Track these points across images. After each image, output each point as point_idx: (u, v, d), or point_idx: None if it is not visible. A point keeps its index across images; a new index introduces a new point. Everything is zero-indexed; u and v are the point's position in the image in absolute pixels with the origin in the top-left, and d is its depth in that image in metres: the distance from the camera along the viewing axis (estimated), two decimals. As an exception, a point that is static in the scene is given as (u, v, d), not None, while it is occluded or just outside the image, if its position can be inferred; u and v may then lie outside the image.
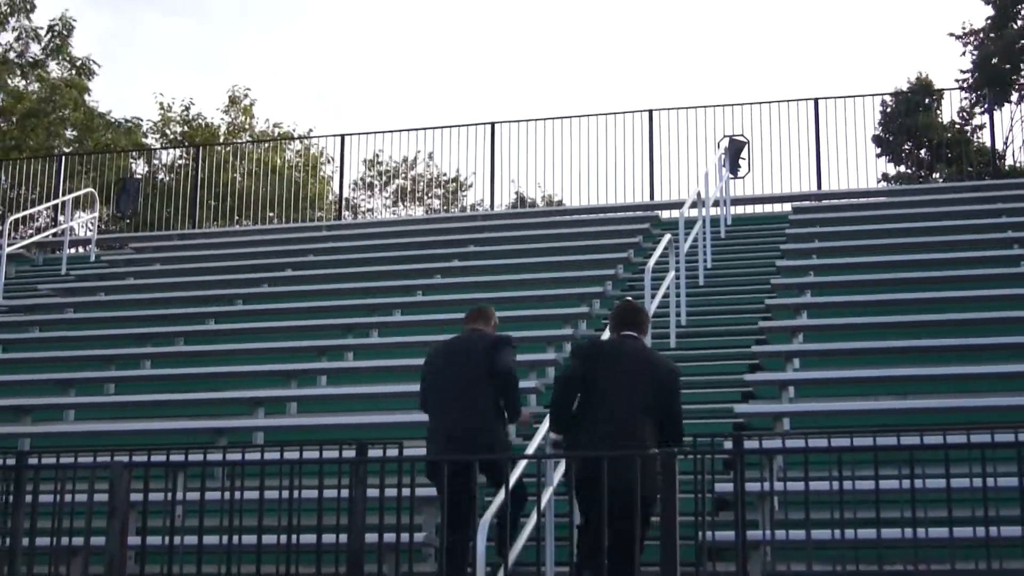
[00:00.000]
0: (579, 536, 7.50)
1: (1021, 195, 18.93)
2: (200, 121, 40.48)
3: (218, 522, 7.42)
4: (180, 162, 32.86)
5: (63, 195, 23.82)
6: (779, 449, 7.87)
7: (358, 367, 13.97)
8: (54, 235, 23.48)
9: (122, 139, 36.50)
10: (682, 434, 8.20)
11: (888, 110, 34.75)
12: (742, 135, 21.13)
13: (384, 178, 38.31)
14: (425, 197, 37.36)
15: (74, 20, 37.53)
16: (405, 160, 37.05)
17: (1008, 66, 34.91)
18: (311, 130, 41.97)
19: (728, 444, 7.62)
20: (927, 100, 33.99)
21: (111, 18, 65.15)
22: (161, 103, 40.89)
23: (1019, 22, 35.89)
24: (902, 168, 36.58)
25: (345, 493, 7.11)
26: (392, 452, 7.15)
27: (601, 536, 7.16)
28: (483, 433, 8.69)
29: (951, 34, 36.72)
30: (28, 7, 36.76)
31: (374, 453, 7.21)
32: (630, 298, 9.80)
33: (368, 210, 38.85)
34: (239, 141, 37.28)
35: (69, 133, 37.56)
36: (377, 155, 35.18)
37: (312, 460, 7.26)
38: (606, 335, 9.31)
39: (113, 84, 60.79)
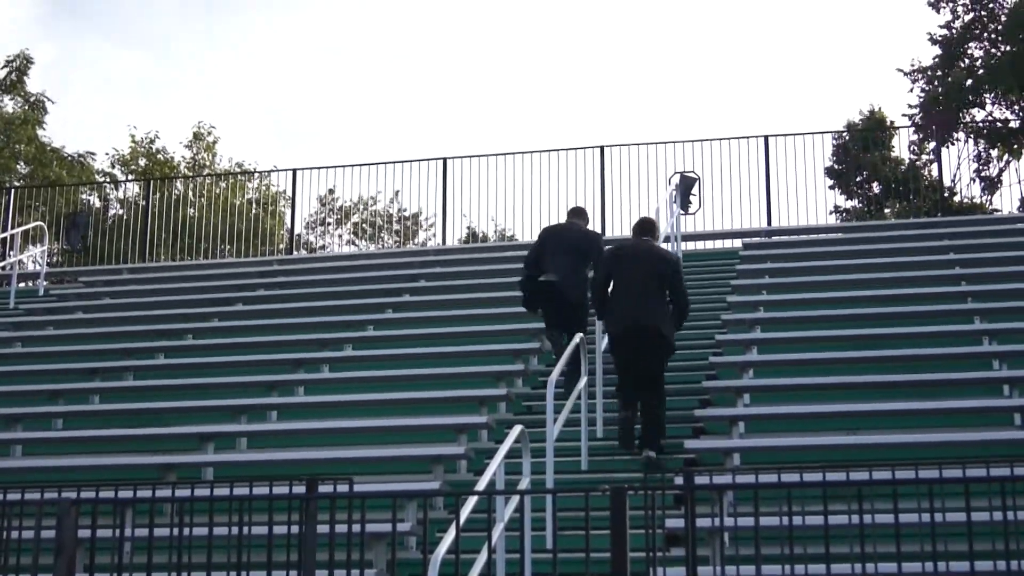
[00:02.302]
0: (619, 384, 11.78)
1: (968, 231, 19.14)
2: (162, 156, 40.43)
3: (167, 559, 7.36)
4: (136, 197, 32.75)
5: (12, 228, 23.67)
6: (729, 485, 7.88)
7: (308, 402, 13.91)
8: (2, 268, 23.31)
9: (75, 174, 36.35)
10: (687, 307, 12.24)
11: (842, 142, 35.09)
12: (693, 172, 21.25)
13: (338, 215, 38.28)
14: (380, 234, 37.37)
15: (32, 59, 37.53)
16: (360, 199, 37.05)
17: (954, 105, 35.29)
18: (274, 166, 41.97)
19: (679, 480, 7.64)
20: (881, 133, 34.34)
21: (57, 48, 64.86)
22: (132, 135, 40.88)
23: (966, 61, 36.31)
24: (854, 202, 36.92)
25: (295, 529, 7.07)
26: (343, 488, 7.12)
27: (631, 374, 11.62)
28: (572, 289, 13.21)
29: (899, 70, 37.11)
30: None
31: (324, 489, 7.17)
32: (647, 214, 14.30)
33: (322, 247, 38.77)
34: (191, 175, 37.18)
35: (21, 167, 37.39)
36: (331, 191, 35.14)
37: (262, 496, 7.22)
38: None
39: (60, 114, 60.55)
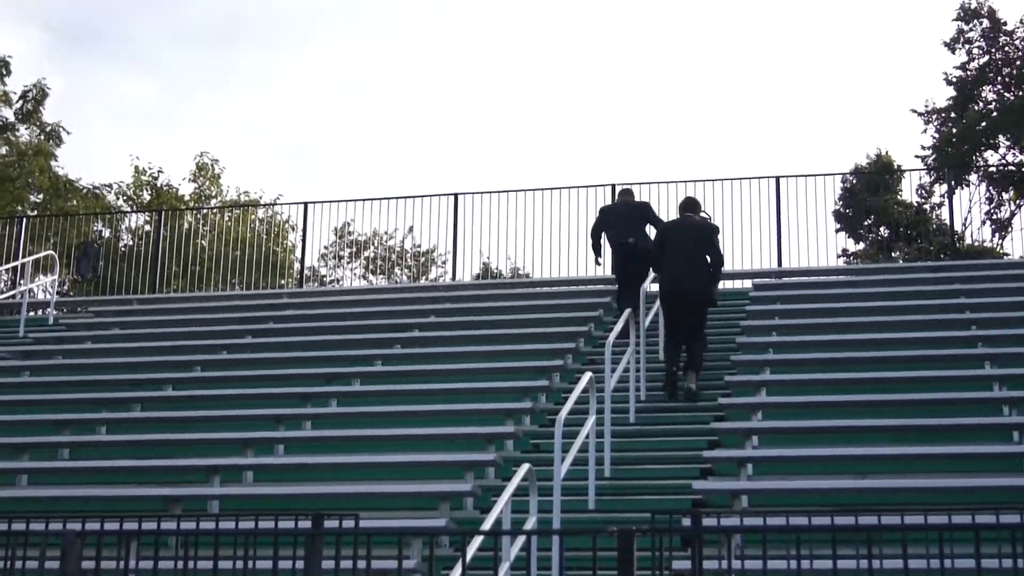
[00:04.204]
0: (667, 338, 14.78)
1: (979, 276, 19.07)
2: (168, 189, 40.50)
3: (171, 592, 7.34)
4: (146, 227, 32.79)
5: (23, 257, 23.72)
6: (737, 527, 7.86)
7: (316, 436, 13.87)
8: (12, 297, 23.33)
9: (89, 205, 36.45)
10: (721, 264, 14.95)
11: (849, 187, 35.07)
12: (705, 212, 21.23)
13: (353, 248, 38.31)
14: (395, 269, 37.37)
15: (49, 87, 37.69)
16: (376, 233, 37.10)
17: (967, 147, 35.31)
18: (279, 196, 41.94)
19: (686, 521, 7.60)
20: (888, 177, 34.34)
21: (64, 79, 65.08)
22: (136, 167, 40.96)
23: (980, 104, 36.34)
24: (862, 245, 36.91)
25: (300, 565, 7.04)
26: (348, 524, 7.10)
27: (679, 329, 14.63)
28: (640, 242, 16.73)
29: (913, 111, 37.12)
30: (3, 72, 36.87)
31: (330, 524, 7.15)
32: (691, 195, 16.97)
33: (335, 280, 38.78)
34: (202, 207, 37.26)
35: (35, 198, 37.49)
36: (348, 224, 35.19)
37: (267, 531, 7.20)
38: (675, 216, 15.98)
39: (69, 145, 60.78)
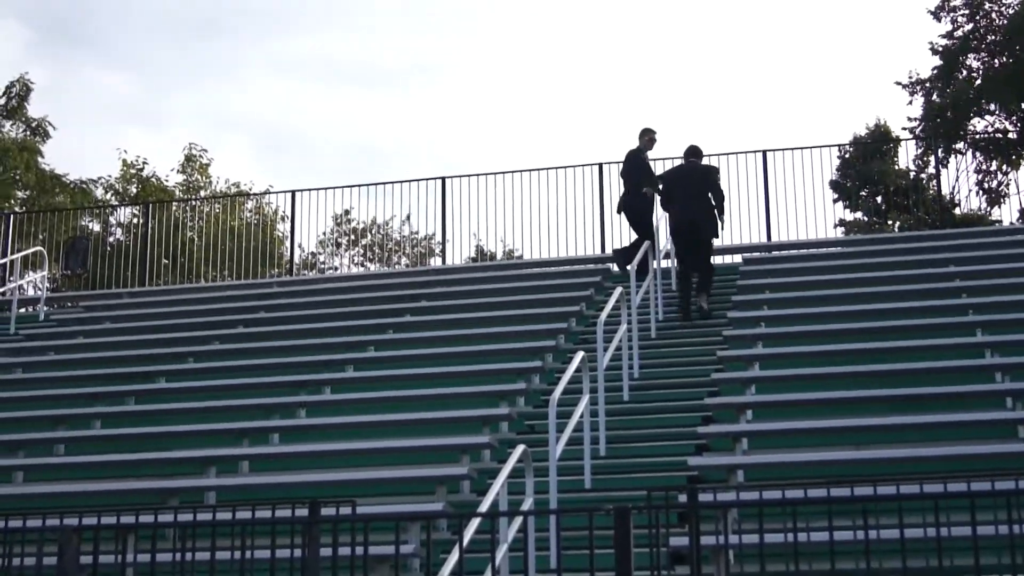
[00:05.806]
0: (679, 270, 17.25)
1: (969, 244, 19.09)
2: (154, 181, 40.40)
3: (169, 585, 7.33)
4: (135, 220, 32.67)
5: (12, 254, 23.66)
6: (733, 502, 7.86)
7: (310, 424, 13.87)
8: (2, 294, 23.29)
9: (77, 201, 36.39)
10: (723, 200, 17.38)
11: (846, 156, 35.01)
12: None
13: (348, 236, 38.23)
14: (390, 256, 37.34)
15: (32, 83, 37.61)
16: (373, 221, 37.06)
17: (952, 116, 35.24)
18: (270, 187, 41.86)
19: (682, 497, 7.61)
20: (884, 147, 34.32)
21: (49, 74, 64.80)
22: (124, 160, 40.88)
23: (965, 72, 36.28)
24: (859, 214, 36.86)
25: (299, 553, 7.04)
26: (345, 511, 7.10)
27: (687, 263, 16.98)
28: (636, 199, 18.59)
29: (898, 83, 37.01)
30: None
31: (327, 512, 7.15)
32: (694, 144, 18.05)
33: (332, 268, 38.72)
34: (190, 199, 37.18)
35: (21, 194, 37.39)
36: (347, 211, 35.08)
37: (264, 520, 7.19)
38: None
39: (54, 139, 60.51)
